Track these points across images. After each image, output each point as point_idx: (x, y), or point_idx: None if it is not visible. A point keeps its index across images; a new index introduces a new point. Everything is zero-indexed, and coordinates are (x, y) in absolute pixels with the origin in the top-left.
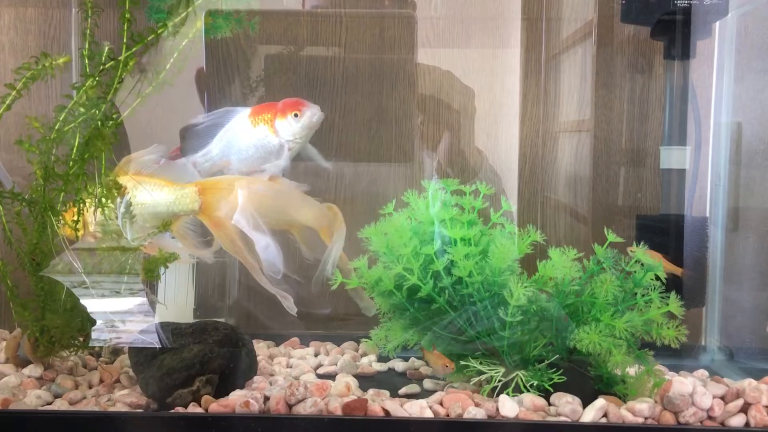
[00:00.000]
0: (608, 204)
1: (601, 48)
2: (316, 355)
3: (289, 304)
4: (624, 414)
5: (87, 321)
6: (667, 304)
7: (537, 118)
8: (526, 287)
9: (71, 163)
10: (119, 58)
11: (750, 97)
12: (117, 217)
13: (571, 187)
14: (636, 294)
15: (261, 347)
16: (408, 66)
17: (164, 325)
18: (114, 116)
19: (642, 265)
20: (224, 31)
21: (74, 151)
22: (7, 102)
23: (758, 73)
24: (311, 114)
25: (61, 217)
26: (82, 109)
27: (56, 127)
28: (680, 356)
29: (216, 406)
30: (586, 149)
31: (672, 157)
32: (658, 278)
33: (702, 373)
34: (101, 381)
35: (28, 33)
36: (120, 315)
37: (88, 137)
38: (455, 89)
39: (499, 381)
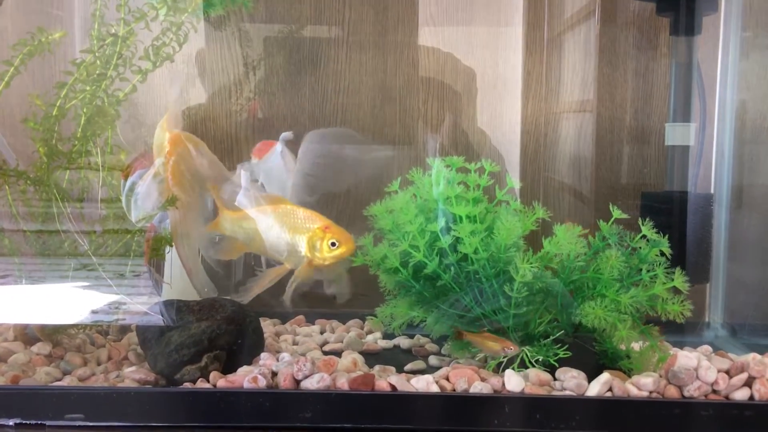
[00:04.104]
0: (611, 183)
1: (605, 26)
2: (321, 333)
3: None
4: (629, 388)
5: None
6: (672, 280)
7: (540, 96)
8: (531, 264)
9: (75, 141)
10: (118, 34)
11: (756, 74)
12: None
13: (573, 166)
14: (641, 270)
15: (267, 325)
16: (410, 46)
17: (171, 303)
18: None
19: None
20: (217, 9)
21: (80, 129)
22: (6, 79)
23: (764, 50)
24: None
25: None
26: (87, 88)
27: (57, 104)
28: (683, 333)
29: (224, 382)
30: (589, 128)
31: (677, 134)
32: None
33: (706, 348)
34: (109, 358)
35: (31, 14)
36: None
37: (89, 115)
38: (457, 70)
39: (505, 356)
